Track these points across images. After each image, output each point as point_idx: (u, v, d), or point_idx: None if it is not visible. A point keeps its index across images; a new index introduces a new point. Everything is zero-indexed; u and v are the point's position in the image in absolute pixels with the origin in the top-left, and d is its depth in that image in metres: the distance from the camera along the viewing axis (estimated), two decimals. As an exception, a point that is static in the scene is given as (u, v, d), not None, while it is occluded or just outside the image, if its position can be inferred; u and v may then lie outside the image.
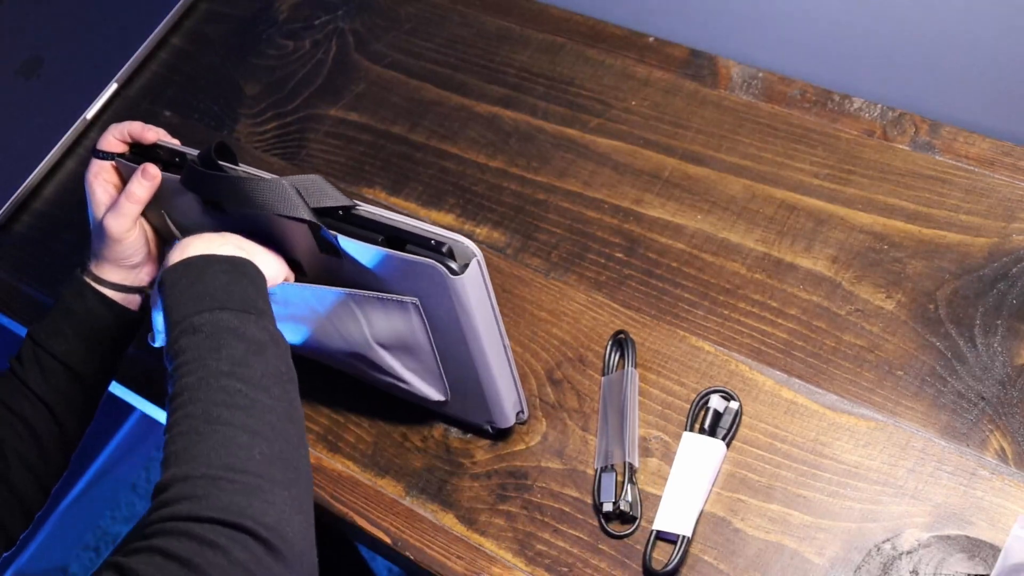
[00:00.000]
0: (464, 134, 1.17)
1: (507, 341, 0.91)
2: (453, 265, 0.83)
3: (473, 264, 0.84)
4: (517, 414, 0.97)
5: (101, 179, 0.97)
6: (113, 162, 0.97)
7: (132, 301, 0.97)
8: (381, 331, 0.90)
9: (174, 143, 0.97)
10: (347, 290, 0.89)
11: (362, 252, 0.86)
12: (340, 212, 0.87)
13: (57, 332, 0.95)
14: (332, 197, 0.87)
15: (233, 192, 0.88)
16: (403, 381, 0.94)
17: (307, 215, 0.86)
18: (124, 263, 0.95)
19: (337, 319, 0.91)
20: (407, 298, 0.87)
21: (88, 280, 0.96)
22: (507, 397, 0.95)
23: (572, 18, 1.22)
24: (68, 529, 1.90)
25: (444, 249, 0.83)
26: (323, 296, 0.90)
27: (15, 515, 0.93)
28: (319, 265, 0.92)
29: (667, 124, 1.12)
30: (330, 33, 1.30)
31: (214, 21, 1.36)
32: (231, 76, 1.31)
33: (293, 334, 0.95)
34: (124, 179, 0.97)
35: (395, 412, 1.03)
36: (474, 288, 0.85)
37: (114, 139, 0.97)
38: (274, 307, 0.86)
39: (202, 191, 0.91)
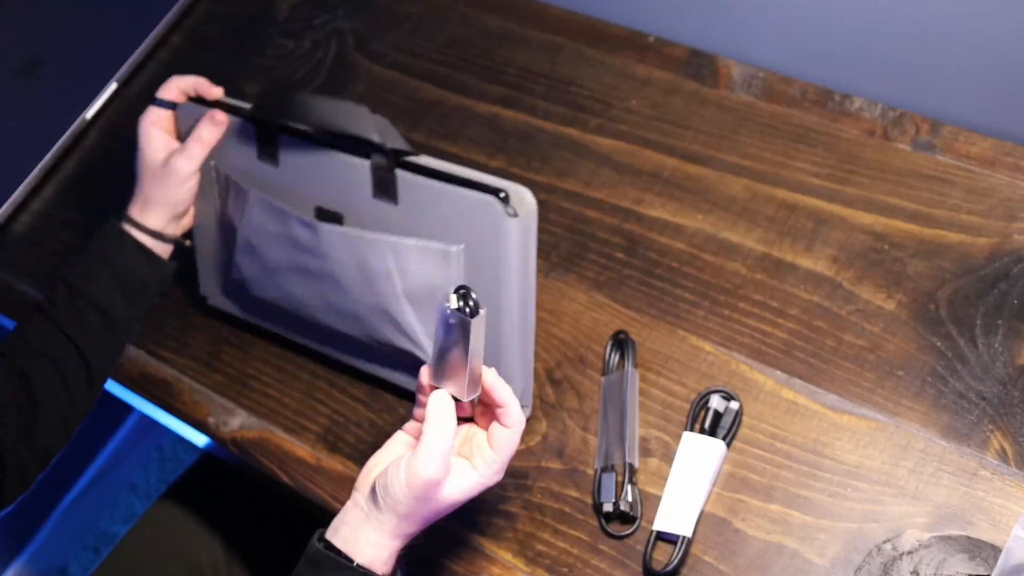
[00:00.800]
0: (464, 134, 1.17)
1: (533, 317, 0.94)
2: (510, 209, 0.87)
3: (529, 211, 0.89)
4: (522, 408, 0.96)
5: (159, 126, 1.01)
6: (172, 111, 1.02)
7: (165, 251, 1.01)
8: (413, 283, 0.92)
9: (235, 101, 1.01)
10: (390, 236, 0.92)
11: (422, 191, 0.90)
12: (402, 157, 0.92)
13: (93, 276, 0.97)
14: (398, 141, 0.91)
15: (315, 112, 0.92)
16: (417, 346, 0.94)
17: (385, 143, 0.90)
18: (176, 208, 1.00)
19: (370, 268, 0.93)
20: (452, 246, 0.90)
21: (127, 228, 0.99)
22: (520, 375, 0.95)
23: (572, 18, 1.22)
24: (68, 529, 1.90)
25: (502, 195, 0.88)
26: (362, 241, 0.93)
27: (37, 457, 0.95)
28: (362, 214, 0.94)
29: (667, 124, 1.12)
30: (330, 33, 1.30)
31: (214, 21, 1.36)
32: (231, 76, 1.31)
33: (314, 286, 0.97)
34: (179, 129, 1.02)
35: (395, 412, 1.03)
36: (524, 235, 0.89)
37: (177, 89, 1.02)
38: (305, 256, 0.94)
39: (284, 114, 0.94)
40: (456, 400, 0.82)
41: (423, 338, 0.94)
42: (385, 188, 0.92)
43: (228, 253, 1.04)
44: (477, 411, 0.86)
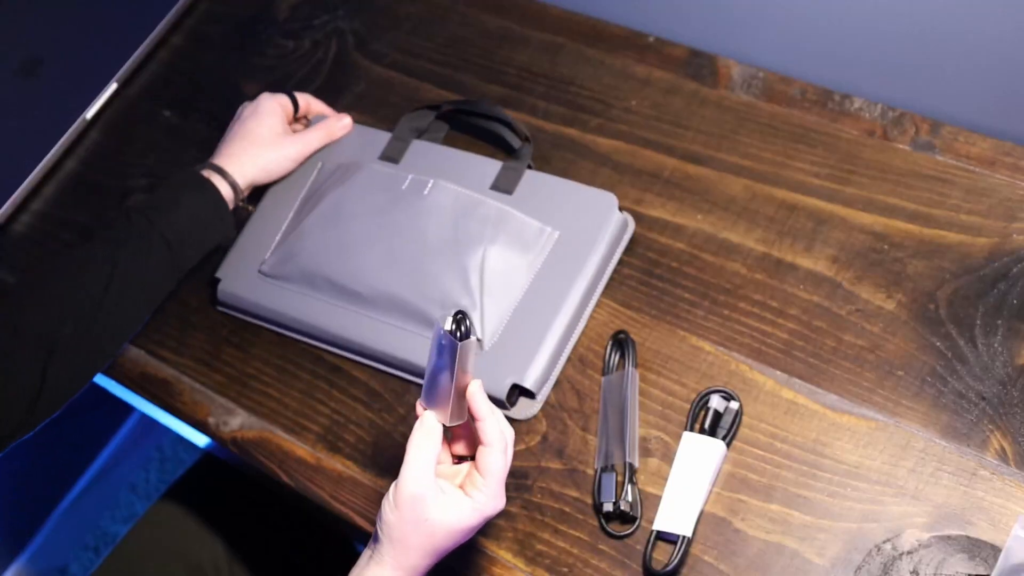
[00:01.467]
0: (464, 134, 1.17)
1: (582, 322, 1.02)
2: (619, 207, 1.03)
3: (629, 219, 1.05)
4: (536, 393, 0.98)
5: (281, 108, 1.13)
6: (292, 106, 1.15)
7: (231, 199, 1.08)
8: (499, 252, 1.02)
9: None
10: (498, 202, 1.05)
11: (542, 184, 1.06)
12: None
13: (167, 211, 1.03)
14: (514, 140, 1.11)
15: (474, 103, 1.14)
16: (473, 303, 1.01)
17: (520, 137, 1.10)
18: (262, 175, 1.10)
19: (466, 228, 1.03)
20: (548, 227, 1.03)
21: (209, 175, 1.07)
22: (550, 362, 0.99)
23: (572, 18, 1.22)
24: (68, 529, 1.90)
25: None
26: (470, 200, 1.05)
27: (76, 375, 1.00)
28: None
29: (667, 124, 1.12)
30: (330, 33, 1.30)
31: (214, 21, 1.36)
32: (231, 76, 1.31)
33: (391, 247, 1.05)
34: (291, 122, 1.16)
35: (395, 412, 1.03)
36: (618, 235, 1.03)
37: (306, 101, 1.17)
38: (400, 215, 1.05)
39: (443, 107, 1.14)
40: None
41: (477, 295, 1.01)
42: (507, 182, 1.07)
43: (294, 225, 1.11)
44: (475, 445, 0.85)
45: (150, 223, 1.02)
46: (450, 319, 0.80)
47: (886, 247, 1.00)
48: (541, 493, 0.96)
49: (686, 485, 0.91)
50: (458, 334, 0.80)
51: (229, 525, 1.19)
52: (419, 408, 0.84)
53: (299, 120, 1.17)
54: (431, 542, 0.80)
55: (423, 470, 0.80)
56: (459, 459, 0.87)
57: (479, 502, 0.81)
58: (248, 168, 1.09)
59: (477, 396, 0.82)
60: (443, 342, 0.80)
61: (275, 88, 1.27)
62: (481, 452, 0.82)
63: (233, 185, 1.07)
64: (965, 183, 1.01)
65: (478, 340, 0.85)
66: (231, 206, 1.08)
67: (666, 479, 0.92)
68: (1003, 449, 0.89)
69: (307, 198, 1.13)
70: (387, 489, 0.99)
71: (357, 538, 1.00)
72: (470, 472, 0.83)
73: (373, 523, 0.97)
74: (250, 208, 1.14)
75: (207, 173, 1.07)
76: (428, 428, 0.82)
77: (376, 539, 0.82)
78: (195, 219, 1.04)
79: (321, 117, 1.17)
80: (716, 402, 0.94)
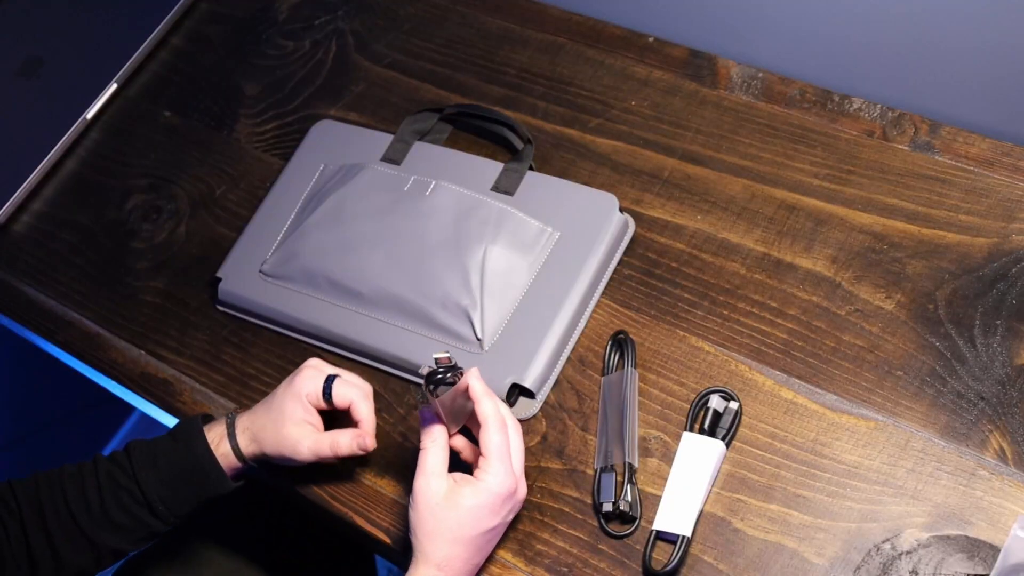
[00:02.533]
0: (464, 134, 1.17)
1: (582, 321, 1.02)
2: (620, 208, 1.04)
3: (630, 221, 1.06)
4: (536, 393, 0.99)
5: (303, 400, 0.95)
6: (324, 393, 0.96)
7: (235, 470, 0.97)
8: (500, 252, 1.02)
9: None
10: (499, 203, 1.05)
11: (543, 185, 1.07)
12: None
13: (155, 469, 0.95)
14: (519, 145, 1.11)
15: (476, 107, 1.15)
16: (473, 303, 1.00)
17: (522, 139, 1.11)
18: (282, 456, 0.95)
19: (467, 228, 1.03)
20: (549, 227, 1.03)
21: (215, 435, 0.95)
22: (550, 361, 0.99)
23: (572, 18, 1.22)
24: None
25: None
26: (472, 200, 1.05)
27: None
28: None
29: (667, 124, 1.12)
30: (330, 33, 1.30)
31: (214, 21, 1.36)
32: (231, 76, 1.31)
33: (393, 247, 1.05)
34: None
35: (395, 412, 1.03)
36: (619, 236, 1.04)
37: (342, 398, 0.96)
38: (401, 217, 1.04)
39: (446, 110, 1.16)
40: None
41: (473, 299, 1.00)
42: (508, 183, 1.07)
43: (296, 225, 1.11)
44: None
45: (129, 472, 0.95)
46: (423, 381, 0.86)
47: (885, 247, 1.00)
48: (541, 493, 0.96)
49: (685, 485, 0.91)
50: (429, 396, 0.86)
51: (229, 525, 1.18)
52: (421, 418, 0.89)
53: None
54: (451, 528, 0.85)
55: (432, 465, 0.86)
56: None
57: (484, 481, 0.85)
58: (261, 436, 0.96)
59: (472, 381, 0.86)
60: (425, 413, 0.88)
61: (275, 88, 1.27)
62: (482, 434, 0.86)
63: (235, 449, 0.96)
64: (964, 183, 1.01)
65: (458, 374, 0.87)
66: (229, 464, 0.96)
67: (666, 479, 0.93)
68: (1002, 449, 0.89)
69: (309, 199, 1.13)
70: (388, 489, 1.00)
71: (357, 538, 1.00)
72: (478, 458, 0.88)
73: (373, 523, 0.98)
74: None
75: (215, 426, 0.97)
76: (431, 429, 0.88)
77: (412, 543, 0.87)
78: (172, 471, 0.95)
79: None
80: (716, 402, 0.95)
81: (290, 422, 0.94)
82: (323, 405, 0.96)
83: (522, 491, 0.89)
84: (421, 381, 0.87)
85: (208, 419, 0.99)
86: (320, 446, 0.94)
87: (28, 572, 0.94)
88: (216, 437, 0.96)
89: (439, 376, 0.86)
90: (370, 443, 0.94)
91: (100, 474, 0.95)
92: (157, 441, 0.96)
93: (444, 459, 0.87)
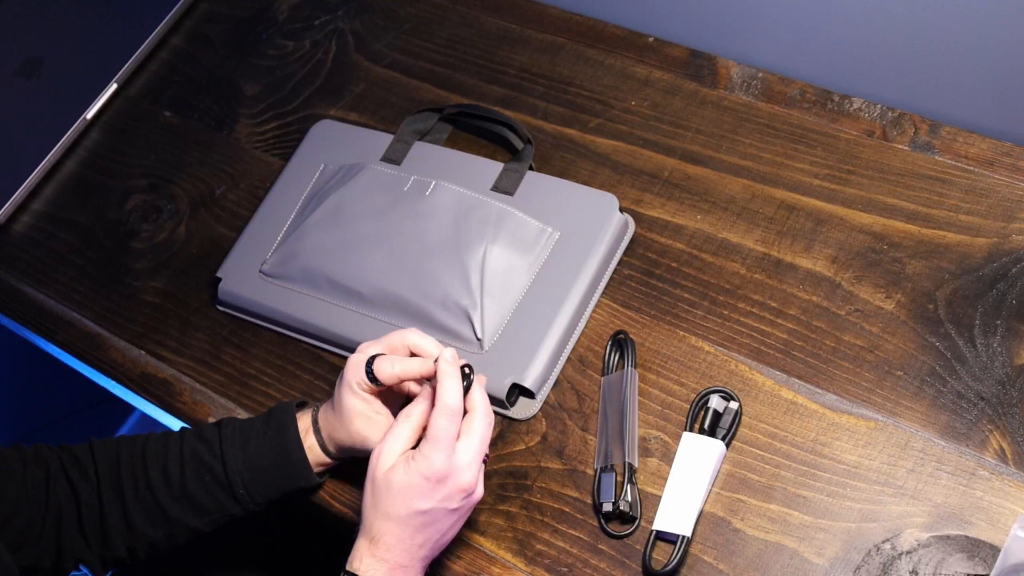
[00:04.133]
0: (464, 135, 1.17)
1: (582, 322, 1.02)
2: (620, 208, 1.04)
3: (630, 220, 1.06)
4: (536, 392, 0.99)
5: (352, 386, 0.91)
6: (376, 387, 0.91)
7: (321, 464, 0.95)
8: (500, 252, 1.02)
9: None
10: (499, 203, 1.05)
11: (543, 185, 1.07)
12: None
13: (246, 453, 0.93)
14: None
15: (476, 107, 1.15)
16: (473, 303, 1.00)
17: (522, 139, 1.11)
18: (353, 442, 0.92)
19: (467, 228, 1.04)
20: (549, 227, 1.03)
21: (306, 428, 0.94)
22: (550, 361, 0.99)
23: (572, 18, 1.22)
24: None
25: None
26: (471, 200, 1.05)
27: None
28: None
29: (667, 124, 1.12)
30: (330, 33, 1.30)
31: (214, 21, 1.36)
32: (231, 76, 1.31)
33: (392, 248, 1.05)
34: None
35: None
36: (619, 236, 1.04)
37: (394, 376, 0.90)
38: (401, 217, 1.04)
39: (446, 110, 1.16)
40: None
41: (473, 300, 1.00)
42: (508, 183, 1.07)
43: (296, 225, 1.11)
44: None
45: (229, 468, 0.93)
46: None
47: (885, 247, 1.00)
48: (541, 493, 0.96)
49: (685, 485, 0.91)
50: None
51: (231, 527, 1.19)
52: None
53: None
54: (382, 503, 0.84)
55: (391, 440, 0.85)
56: None
57: (416, 461, 0.83)
58: (335, 436, 0.93)
59: (441, 363, 0.85)
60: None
61: (275, 88, 1.27)
62: (431, 415, 0.85)
63: (321, 443, 0.94)
64: (964, 183, 1.01)
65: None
66: (315, 458, 0.94)
67: (665, 479, 0.93)
68: (1002, 449, 0.89)
69: (309, 199, 1.13)
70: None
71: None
72: None
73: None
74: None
75: (303, 417, 0.95)
76: (411, 407, 0.87)
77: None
78: (260, 456, 0.94)
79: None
80: (716, 402, 0.95)
81: (355, 418, 0.91)
82: (376, 389, 0.91)
83: (466, 482, 0.84)
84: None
85: (302, 405, 0.97)
86: (375, 420, 0.92)
87: (99, 539, 0.93)
88: (303, 428, 0.94)
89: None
90: (418, 420, 0.87)
91: (185, 449, 0.93)
92: (250, 423, 0.95)
93: (409, 438, 0.85)
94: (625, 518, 0.93)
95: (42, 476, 0.92)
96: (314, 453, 0.94)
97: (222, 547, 1.16)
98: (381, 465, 0.85)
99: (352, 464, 1.01)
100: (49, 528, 0.92)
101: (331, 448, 0.94)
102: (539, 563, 0.93)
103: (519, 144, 1.11)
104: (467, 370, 0.86)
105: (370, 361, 0.90)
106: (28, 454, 0.94)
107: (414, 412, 0.87)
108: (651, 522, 0.91)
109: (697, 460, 0.92)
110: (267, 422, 0.94)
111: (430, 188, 1.07)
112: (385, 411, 0.92)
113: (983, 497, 0.87)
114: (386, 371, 0.89)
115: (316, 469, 0.95)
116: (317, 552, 1.21)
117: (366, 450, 0.90)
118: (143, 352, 1.14)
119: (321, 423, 0.94)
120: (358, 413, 0.91)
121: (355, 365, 0.90)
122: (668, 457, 0.94)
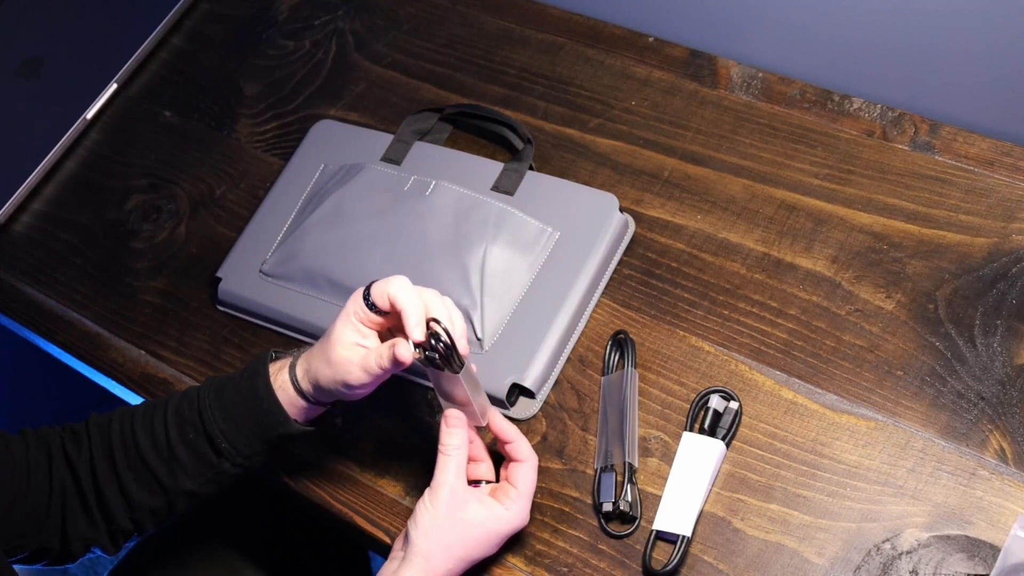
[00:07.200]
0: (464, 134, 1.17)
1: (582, 323, 1.02)
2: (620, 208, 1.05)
3: (630, 221, 1.06)
4: (536, 392, 0.99)
5: (351, 318, 0.88)
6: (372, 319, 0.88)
7: (300, 409, 0.91)
8: (500, 252, 1.02)
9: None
10: (499, 202, 1.05)
11: (543, 185, 1.07)
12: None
13: (223, 409, 0.91)
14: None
15: (476, 107, 1.15)
16: (473, 303, 1.00)
17: (522, 139, 1.11)
18: (336, 377, 0.88)
19: (467, 228, 1.04)
20: (549, 228, 1.04)
21: (277, 375, 0.91)
22: (550, 361, 1.00)
23: (572, 18, 1.22)
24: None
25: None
26: (471, 200, 1.06)
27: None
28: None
29: (667, 124, 1.12)
30: (330, 33, 1.30)
31: (214, 21, 1.36)
32: (231, 76, 1.31)
33: (391, 247, 1.05)
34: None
35: (395, 411, 1.03)
36: (619, 236, 1.04)
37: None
38: (401, 217, 1.05)
39: (446, 110, 1.16)
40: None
41: (472, 299, 1.01)
42: (508, 183, 1.07)
43: (296, 225, 1.11)
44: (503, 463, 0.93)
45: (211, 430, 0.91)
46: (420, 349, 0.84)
47: (885, 247, 1.00)
48: (541, 493, 0.96)
49: (686, 485, 0.91)
50: (439, 358, 0.84)
51: (230, 525, 1.18)
52: (445, 419, 0.90)
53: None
54: (464, 543, 0.87)
55: (459, 470, 0.88)
56: (473, 483, 0.92)
57: (512, 511, 0.88)
58: (315, 365, 0.89)
59: (502, 423, 0.90)
60: (437, 372, 0.86)
61: (275, 88, 1.27)
62: (517, 468, 0.90)
63: (293, 380, 0.90)
64: (964, 183, 1.01)
65: (457, 357, 0.85)
66: (289, 399, 0.91)
67: (666, 479, 0.93)
68: (1002, 449, 0.89)
69: (309, 198, 1.13)
70: (388, 489, 1.00)
71: (357, 538, 1.00)
72: (502, 486, 0.90)
73: (373, 523, 0.98)
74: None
75: (280, 359, 0.93)
76: (457, 432, 0.89)
77: (407, 542, 0.87)
78: (235, 404, 0.91)
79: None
80: (716, 402, 0.95)
81: (340, 346, 0.87)
82: (375, 319, 0.87)
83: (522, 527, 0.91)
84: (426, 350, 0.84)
85: (284, 354, 0.94)
86: (367, 361, 0.85)
87: (102, 514, 0.93)
88: (276, 369, 0.91)
89: (434, 354, 0.84)
90: (404, 352, 0.83)
91: (169, 409, 0.92)
92: (228, 375, 0.93)
93: (465, 464, 0.89)
94: (625, 518, 0.93)
95: (44, 459, 0.93)
96: (285, 393, 0.90)
97: (222, 546, 1.16)
98: (460, 501, 0.87)
99: (352, 463, 1.01)
100: (55, 509, 0.92)
101: (304, 385, 0.89)
102: (539, 563, 0.93)
103: (519, 144, 1.11)
104: (448, 349, 0.83)
105: (367, 287, 0.88)
106: (31, 438, 0.94)
107: (460, 441, 0.89)
108: (651, 522, 0.91)
109: (697, 460, 0.92)
110: (243, 371, 0.93)
111: (430, 188, 1.07)
112: (374, 342, 0.88)
113: (983, 497, 0.87)
114: (379, 292, 0.86)
115: (292, 412, 0.90)
116: (316, 551, 1.21)
117: (341, 383, 0.87)
118: (143, 352, 1.14)
119: (300, 361, 0.90)
120: (347, 343, 0.87)
121: (357, 295, 0.88)
122: (668, 457, 0.94)
